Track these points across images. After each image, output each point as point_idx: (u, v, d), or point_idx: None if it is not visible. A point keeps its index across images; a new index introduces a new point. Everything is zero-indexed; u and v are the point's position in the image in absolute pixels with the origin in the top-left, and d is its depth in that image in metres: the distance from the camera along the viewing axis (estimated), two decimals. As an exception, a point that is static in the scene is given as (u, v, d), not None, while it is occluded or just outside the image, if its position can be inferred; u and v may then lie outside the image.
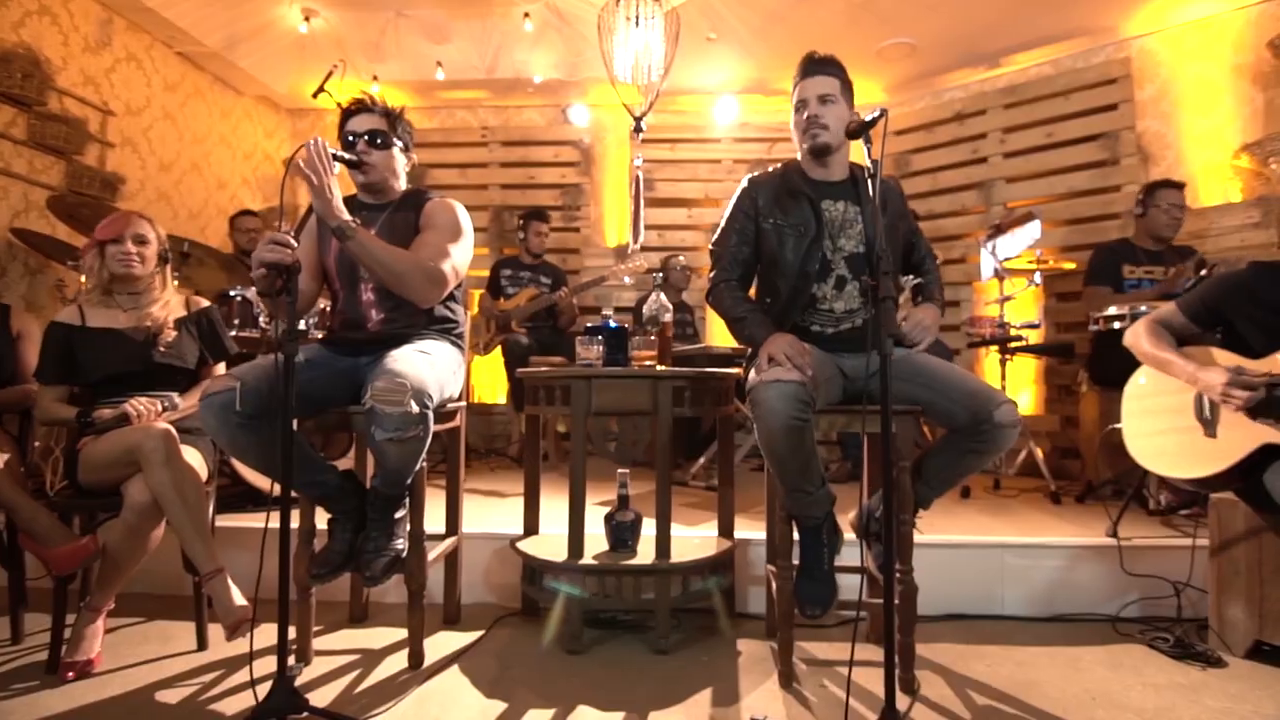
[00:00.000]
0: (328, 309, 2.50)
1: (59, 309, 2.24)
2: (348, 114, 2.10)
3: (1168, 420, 2.06)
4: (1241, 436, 1.91)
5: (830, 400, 1.90)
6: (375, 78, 5.15)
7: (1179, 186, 3.46)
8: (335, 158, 1.86)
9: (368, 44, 4.84)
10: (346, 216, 1.83)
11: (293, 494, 1.85)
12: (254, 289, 2.79)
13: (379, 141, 2.07)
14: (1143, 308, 2.88)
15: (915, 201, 4.72)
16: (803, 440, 1.68)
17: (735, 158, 5.58)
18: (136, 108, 4.50)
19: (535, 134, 5.79)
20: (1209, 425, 1.97)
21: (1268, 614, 2.02)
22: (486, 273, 4.89)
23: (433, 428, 1.82)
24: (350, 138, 2.07)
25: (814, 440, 1.73)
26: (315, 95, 3.65)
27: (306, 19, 4.48)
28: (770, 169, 2.14)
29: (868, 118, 1.63)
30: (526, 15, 4.38)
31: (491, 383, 5.51)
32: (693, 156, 5.64)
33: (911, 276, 2.23)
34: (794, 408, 1.64)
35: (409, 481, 1.91)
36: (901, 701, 1.74)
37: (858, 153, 1.85)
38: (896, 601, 1.80)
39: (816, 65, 2.00)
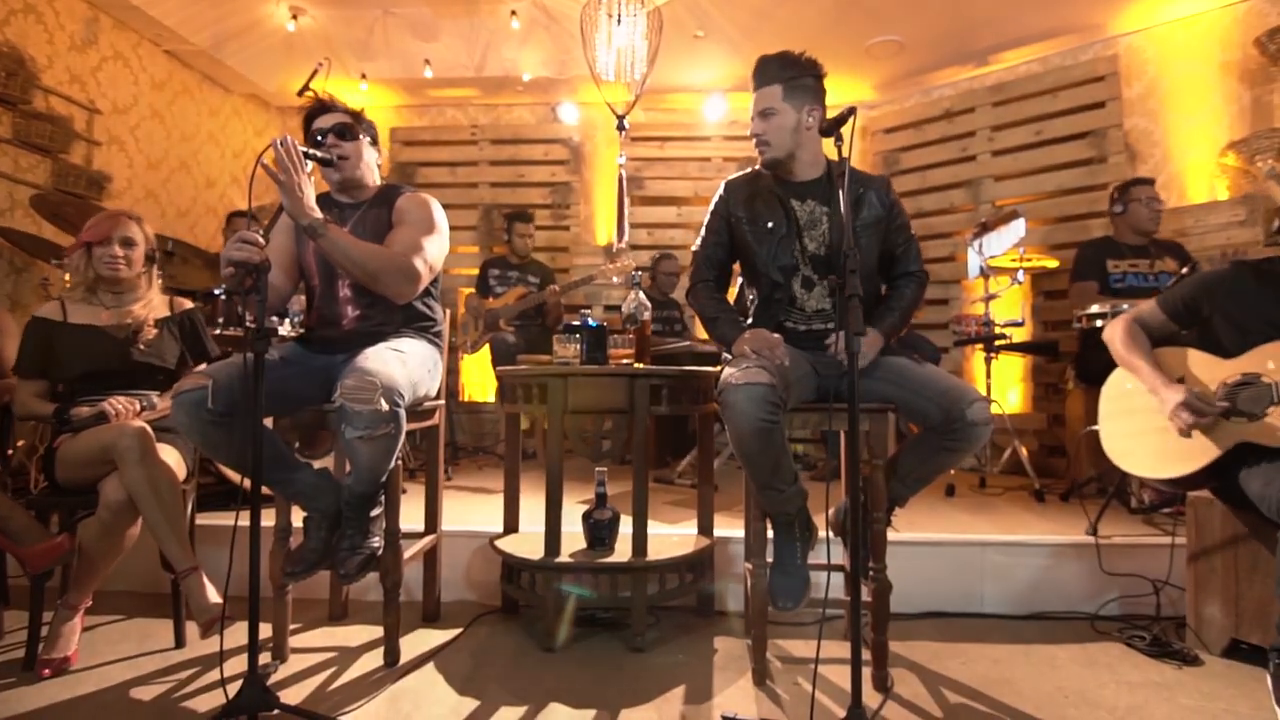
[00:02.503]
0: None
1: (40, 307, 2.24)
2: (311, 116, 2.11)
3: (1144, 420, 2.06)
4: (1216, 436, 1.91)
5: (803, 398, 1.90)
6: (364, 75, 5.15)
7: (1150, 182, 3.54)
8: (306, 155, 1.86)
9: (355, 42, 4.83)
10: (317, 214, 1.84)
11: (268, 492, 1.87)
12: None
13: (346, 135, 2.08)
14: (1124, 305, 2.88)
15: (904, 200, 4.71)
16: (772, 440, 1.68)
17: (725, 155, 5.58)
18: (124, 106, 4.49)
19: (525, 132, 5.78)
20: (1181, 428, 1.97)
21: (1244, 612, 2.02)
22: (475, 271, 4.89)
23: (405, 426, 1.82)
24: (319, 136, 2.07)
25: (784, 440, 1.74)
26: (300, 94, 3.63)
27: (294, 17, 4.46)
28: (746, 171, 2.15)
29: (837, 115, 1.61)
30: (514, 13, 4.37)
31: (481, 381, 5.51)
32: (682, 155, 5.64)
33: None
34: (763, 409, 1.64)
35: (383, 479, 1.90)
36: (874, 699, 1.76)
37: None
38: (869, 599, 1.82)
39: (758, 75, 1.99)
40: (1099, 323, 2.99)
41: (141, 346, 2.21)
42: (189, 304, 2.39)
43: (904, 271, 2.10)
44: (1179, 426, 1.91)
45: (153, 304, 2.31)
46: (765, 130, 1.98)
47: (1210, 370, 1.98)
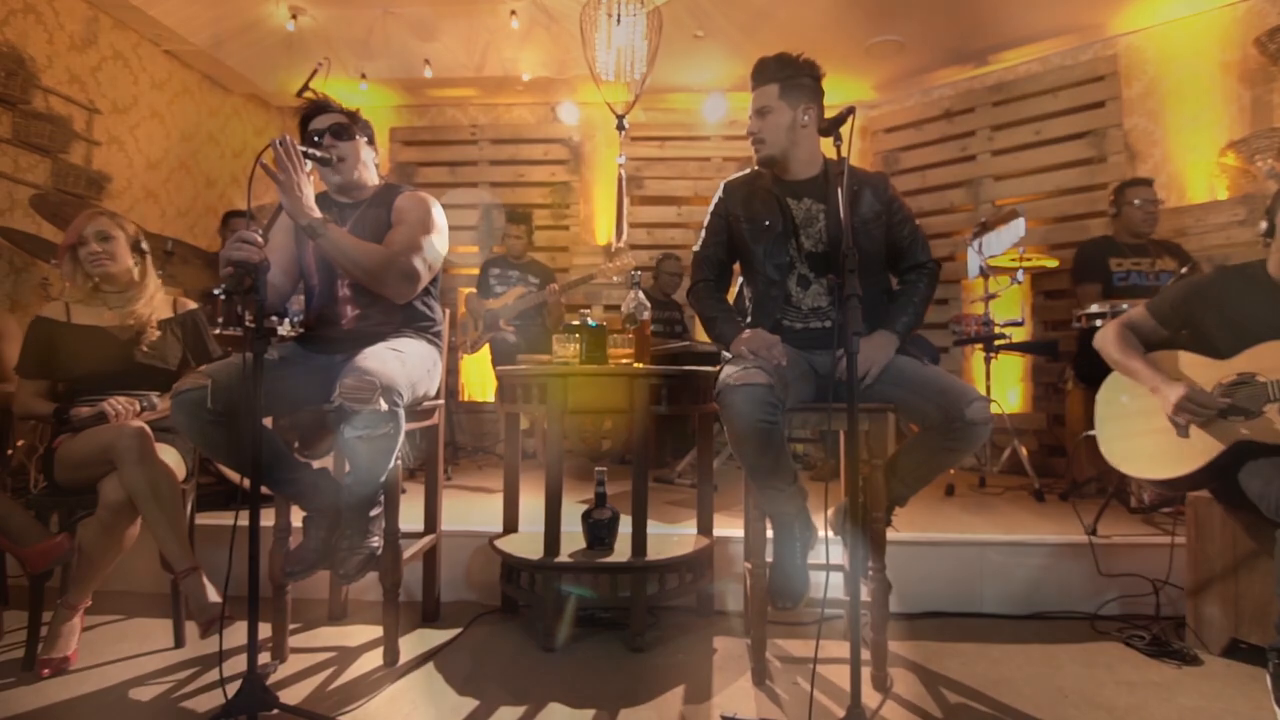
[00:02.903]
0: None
1: (44, 307, 2.24)
2: (307, 117, 2.11)
3: (1141, 422, 2.06)
4: (1214, 436, 1.91)
5: (802, 398, 1.90)
6: (363, 75, 5.15)
7: (1148, 183, 3.53)
8: (305, 155, 1.86)
9: (355, 42, 4.83)
10: (316, 214, 1.84)
11: (268, 492, 1.86)
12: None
13: (342, 135, 2.08)
14: (1124, 306, 2.88)
15: (904, 200, 4.72)
16: (770, 441, 1.68)
17: (725, 155, 5.57)
18: (123, 106, 4.49)
19: (525, 132, 5.78)
20: (1181, 426, 1.97)
21: (1244, 612, 2.02)
22: (475, 271, 4.89)
23: (404, 426, 1.82)
24: (315, 137, 2.06)
25: (784, 440, 1.74)
26: (300, 94, 3.64)
27: (294, 17, 4.46)
28: (745, 171, 2.16)
29: (836, 115, 1.61)
30: (514, 13, 4.37)
31: (481, 381, 5.51)
32: (682, 154, 5.63)
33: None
34: (761, 410, 1.64)
35: (383, 479, 1.90)
36: (873, 699, 1.75)
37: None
38: (868, 599, 1.82)
39: (756, 74, 2.02)
40: (1098, 323, 2.99)
41: (144, 348, 2.21)
42: (192, 304, 2.39)
43: (913, 264, 2.07)
44: (1181, 423, 1.91)
45: (154, 301, 2.30)
46: (761, 128, 1.99)
47: (1205, 371, 1.98)
